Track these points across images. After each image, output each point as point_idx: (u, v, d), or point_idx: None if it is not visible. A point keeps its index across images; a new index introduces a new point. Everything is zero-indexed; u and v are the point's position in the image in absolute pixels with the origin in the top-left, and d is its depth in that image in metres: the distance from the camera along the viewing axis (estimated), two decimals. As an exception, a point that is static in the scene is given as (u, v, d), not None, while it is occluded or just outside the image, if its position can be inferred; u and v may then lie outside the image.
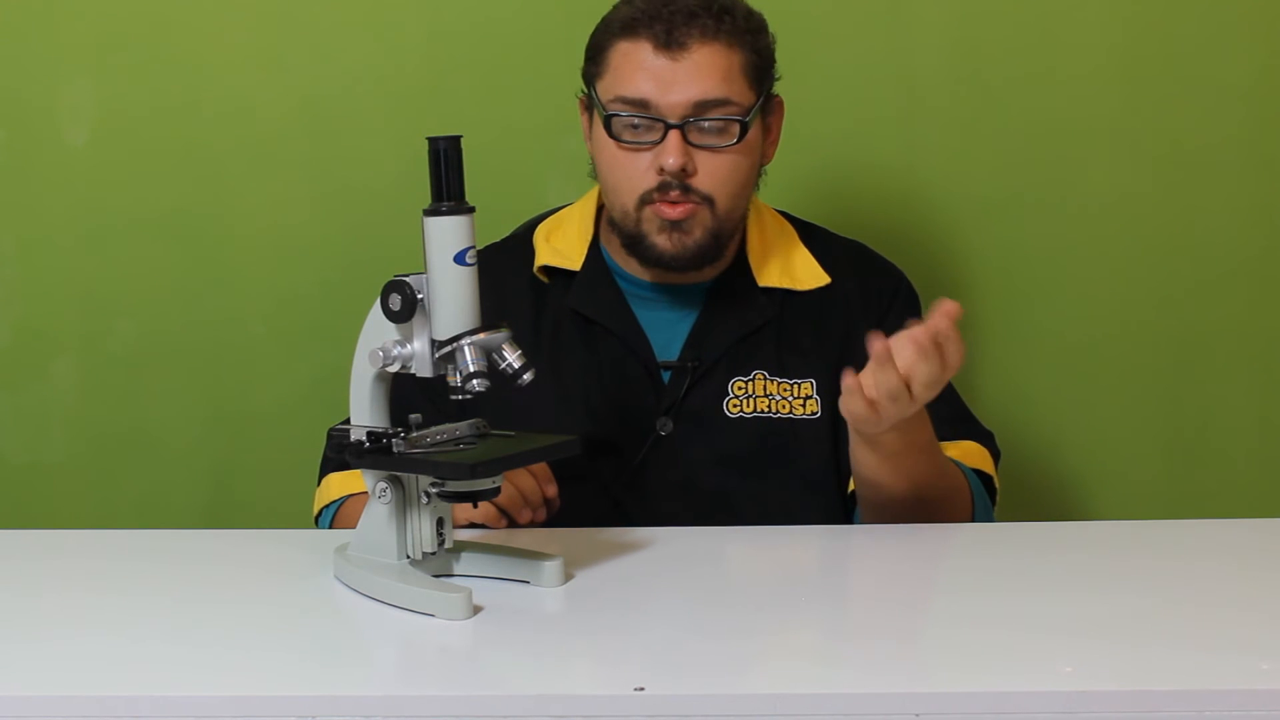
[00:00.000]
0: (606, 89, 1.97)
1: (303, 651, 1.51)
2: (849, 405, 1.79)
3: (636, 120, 1.95)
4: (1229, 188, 2.59)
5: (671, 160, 1.93)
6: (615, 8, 2.01)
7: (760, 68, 1.98)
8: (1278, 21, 2.55)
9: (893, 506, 1.92)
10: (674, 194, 1.95)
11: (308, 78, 2.58)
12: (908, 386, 1.76)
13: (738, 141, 1.95)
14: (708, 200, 1.96)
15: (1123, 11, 2.56)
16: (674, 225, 1.96)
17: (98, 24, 2.57)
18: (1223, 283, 2.61)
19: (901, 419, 1.80)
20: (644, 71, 1.94)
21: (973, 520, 1.99)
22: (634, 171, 1.96)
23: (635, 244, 2.00)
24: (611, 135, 1.96)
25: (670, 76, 1.93)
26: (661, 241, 1.98)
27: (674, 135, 1.93)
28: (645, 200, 1.97)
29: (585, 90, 2.03)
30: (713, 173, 1.96)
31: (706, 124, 1.94)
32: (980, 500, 2.00)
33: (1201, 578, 1.69)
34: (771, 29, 2.05)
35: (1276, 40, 2.56)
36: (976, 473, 2.03)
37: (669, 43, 1.93)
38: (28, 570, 1.79)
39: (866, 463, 1.90)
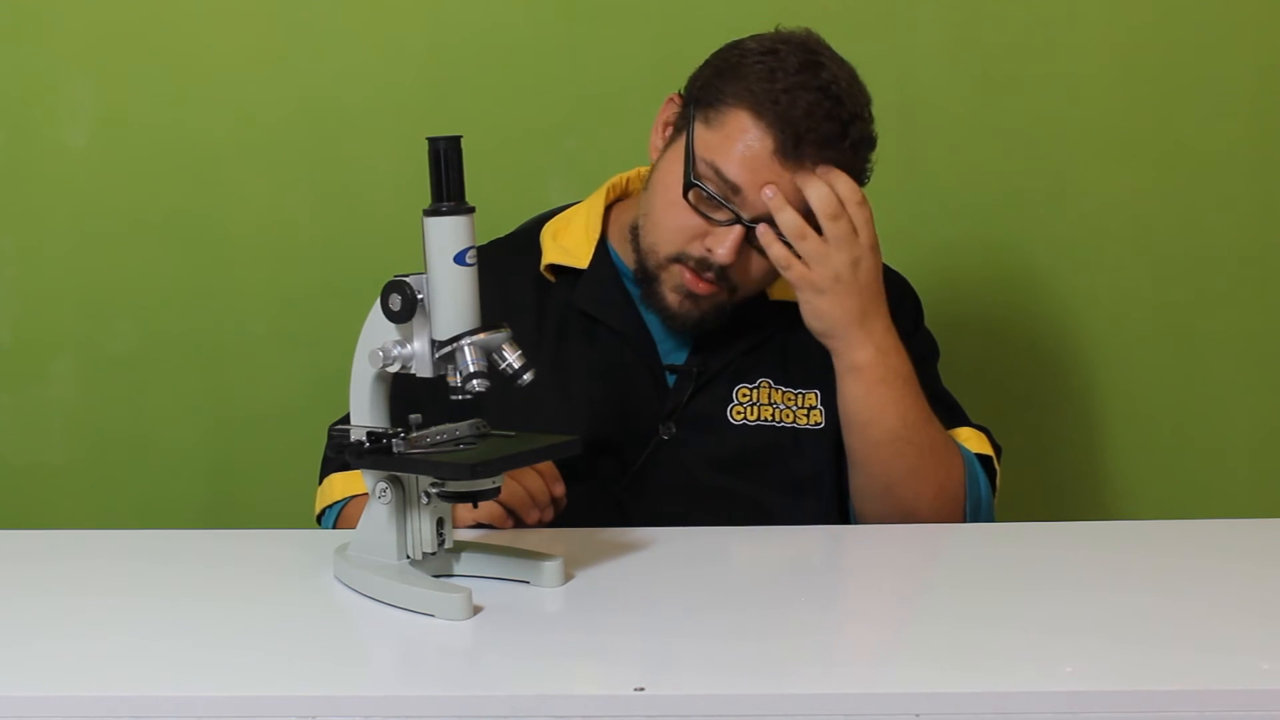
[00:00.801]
0: (708, 145, 1.92)
1: (303, 651, 1.51)
2: (771, 250, 1.89)
3: (718, 199, 1.92)
4: (1230, 188, 2.59)
5: (723, 253, 1.91)
6: (746, 59, 1.93)
7: None
8: (1278, 22, 2.56)
9: (882, 452, 1.93)
10: (707, 275, 1.94)
11: (308, 79, 2.58)
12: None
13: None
14: (732, 288, 1.96)
15: (1123, 12, 2.56)
16: (689, 295, 1.96)
17: (98, 24, 2.57)
18: (1223, 283, 2.61)
19: (850, 298, 1.89)
20: (752, 163, 1.89)
21: (967, 491, 1.99)
22: (684, 231, 1.94)
23: (646, 284, 1.99)
24: (685, 193, 1.93)
25: (770, 180, 1.90)
26: (672, 301, 1.97)
27: (738, 233, 1.91)
28: (678, 259, 1.96)
29: (686, 100, 1.97)
30: (749, 271, 1.95)
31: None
32: (973, 472, 2.00)
33: (1201, 578, 1.69)
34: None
35: (1277, 40, 2.56)
36: (977, 456, 2.03)
37: (792, 155, 1.89)
38: (28, 570, 1.79)
39: (852, 396, 1.93)
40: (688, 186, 1.92)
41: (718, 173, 1.91)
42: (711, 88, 1.94)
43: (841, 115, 1.91)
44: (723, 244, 1.92)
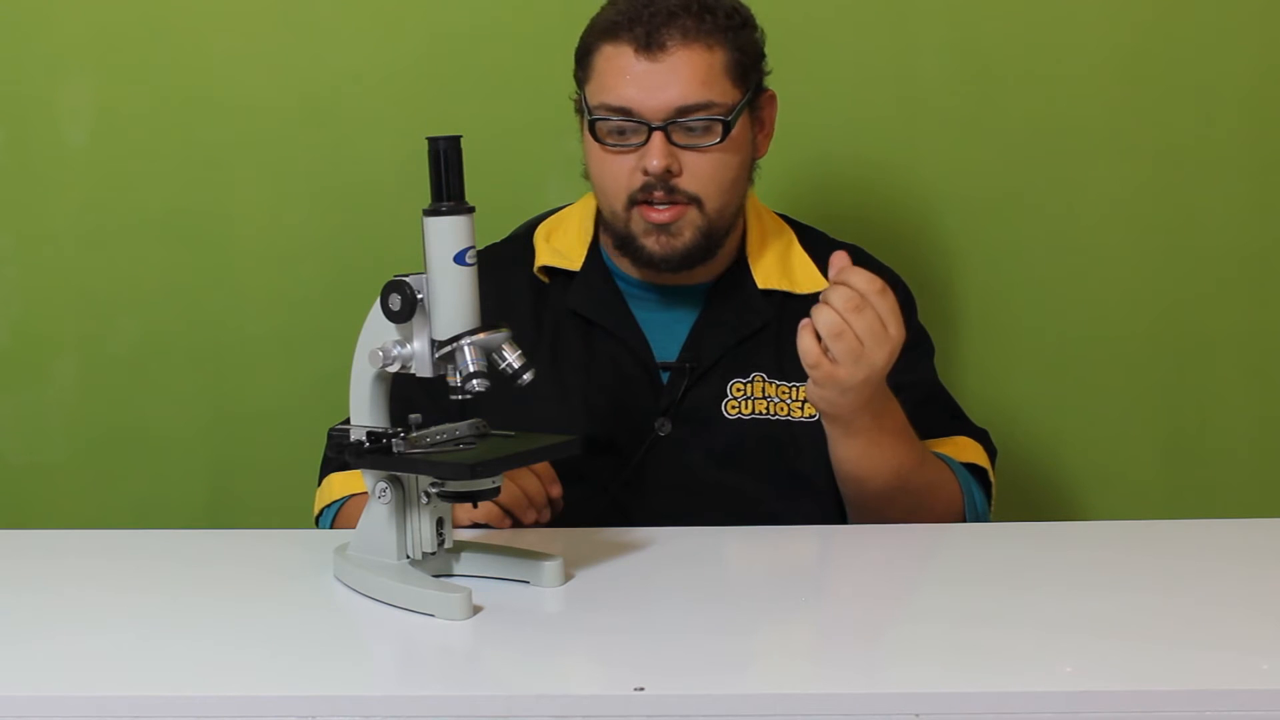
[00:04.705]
0: (593, 94, 1.98)
1: (303, 651, 1.51)
2: (802, 342, 1.80)
3: (621, 125, 1.95)
4: (1229, 188, 2.59)
5: (655, 162, 1.94)
6: (600, 11, 2.01)
7: (744, 65, 1.98)
8: (1278, 21, 2.55)
9: (877, 501, 1.93)
10: (658, 194, 1.96)
11: (308, 77, 2.58)
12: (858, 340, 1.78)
13: (721, 141, 1.95)
14: (695, 200, 1.97)
15: (1123, 11, 2.56)
16: (661, 228, 1.97)
17: (98, 24, 2.57)
18: (1223, 283, 2.61)
19: (868, 389, 1.82)
20: (626, 76, 1.95)
21: (964, 513, 1.99)
22: (620, 173, 1.97)
23: (625, 245, 2.01)
24: (597, 139, 1.98)
25: (651, 80, 1.94)
26: (650, 244, 1.99)
27: (657, 137, 1.94)
28: (633, 202, 1.98)
29: (577, 92, 2.03)
30: (698, 173, 1.96)
31: (689, 125, 1.95)
32: (969, 493, 2.00)
33: (1201, 578, 1.69)
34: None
35: (1276, 40, 2.56)
36: (971, 467, 2.03)
37: (649, 45, 1.94)
38: (28, 570, 1.79)
39: (846, 456, 1.92)
40: (592, 127, 1.97)
41: (607, 106, 1.96)
42: (580, 52, 2.01)
43: None
44: (651, 158, 1.94)
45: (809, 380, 1.85)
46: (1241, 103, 2.57)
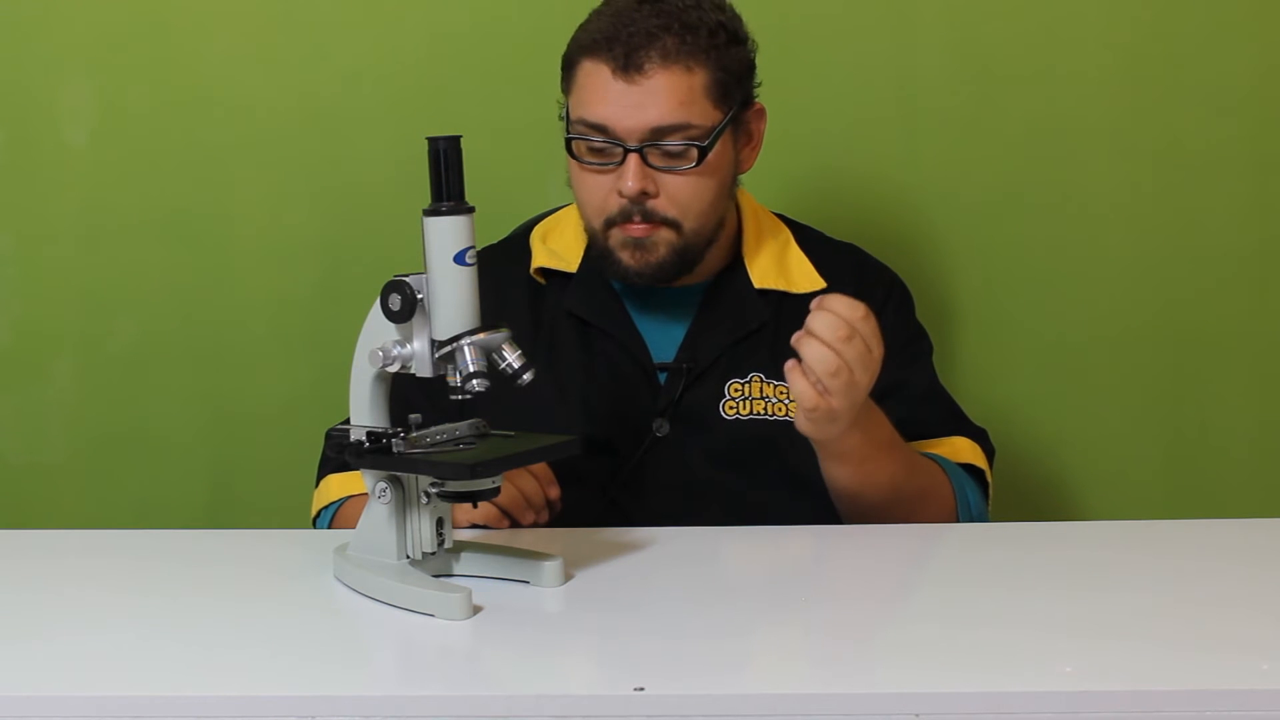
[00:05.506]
0: (574, 107, 1.98)
1: (303, 651, 1.51)
2: (796, 386, 1.78)
3: (597, 143, 1.95)
4: (1229, 188, 2.59)
5: (630, 184, 1.93)
6: (584, 22, 2.00)
7: (726, 84, 1.96)
8: (1278, 22, 2.55)
9: (873, 513, 1.94)
10: (636, 218, 1.96)
11: (308, 78, 2.58)
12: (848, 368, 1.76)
13: (697, 164, 1.94)
14: (671, 223, 1.96)
15: (1124, 11, 2.56)
16: (636, 243, 1.97)
17: (98, 24, 2.57)
18: (1223, 283, 2.61)
19: (855, 412, 1.81)
20: (603, 96, 1.94)
21: (958, 514, 1.99)
22: (598, 192, 1.97)
23: (603, 259, 2.01)
24: (574, 156, 1.97)
25: (628, 101, 1.92)
26: (626, 257, 1.98)
27: (632, 159, 1.93)
28: (610, 223, 1.97)
29: (563, 100, 2.03)
30: (674, 195, 1.95)
31: (667, 148, 1.94)
32: (962, 495, 2.00)
33: (1201, 578, 1.69)
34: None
35: (1277, 41, 2.56)
36: (968, 468, 2.03)
37: (627, 66, 1.92)
38: (28, 570, 1.79)
39: (838, 476, 1.92)
40: (569, 143, 1.97)
41: (585, 122, 1.95)
42: (564, 61, 2.00)
43: (667, 8, 1.94)
44: (626, 180, 1.93)
45: (800, 414, 1.82)
46: (1242, 103, 2.57)
